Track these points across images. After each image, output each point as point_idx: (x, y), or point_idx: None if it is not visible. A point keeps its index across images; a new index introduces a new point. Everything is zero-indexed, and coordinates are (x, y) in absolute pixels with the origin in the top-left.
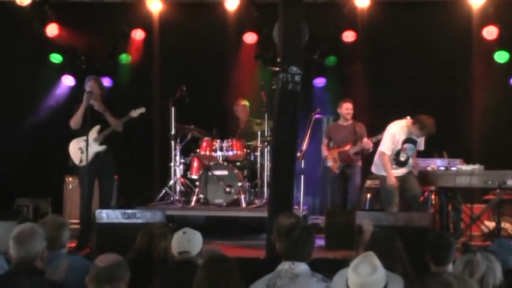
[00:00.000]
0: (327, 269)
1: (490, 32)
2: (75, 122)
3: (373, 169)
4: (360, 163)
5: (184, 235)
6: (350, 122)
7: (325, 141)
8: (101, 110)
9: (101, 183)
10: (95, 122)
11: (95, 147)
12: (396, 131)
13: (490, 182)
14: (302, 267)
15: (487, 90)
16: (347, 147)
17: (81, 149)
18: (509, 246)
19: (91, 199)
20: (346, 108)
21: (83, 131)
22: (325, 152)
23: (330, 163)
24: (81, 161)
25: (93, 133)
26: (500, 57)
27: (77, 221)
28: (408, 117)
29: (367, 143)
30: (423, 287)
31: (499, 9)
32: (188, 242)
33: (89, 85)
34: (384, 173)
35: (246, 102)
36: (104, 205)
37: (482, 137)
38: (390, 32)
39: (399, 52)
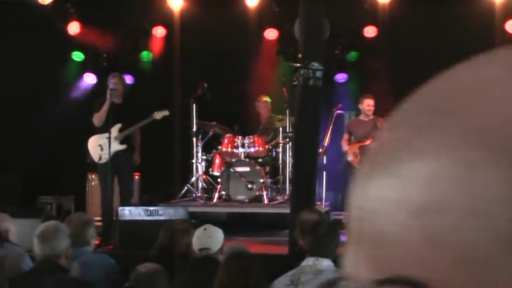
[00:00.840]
0: None
1: None
2: (99, 119)
3: None
4: None
5: (204, 232)
6: (371, 117)
7: (345, 136)
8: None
9: (120, 181)
10: (117, 119)
11: (115, 146)
12: None
13: None
14: (326, 263)
15: None
16: (368, 142)
17: (101, 146)
18: None
19: (112, 196)
20: (368, 104)
21: (105, 128)
22: (345, 147)
23: (350, 157)
24: (100, 158)
25: (114, 131)
26: None
27: (99, 218)
28: None
29: None
30: None
31: None
32: (208, 239)
33: (112, 82)
34: None
35: (267, 99)
36: (124, 202)
37: None
38: (412, 27)
39: (421, 47)
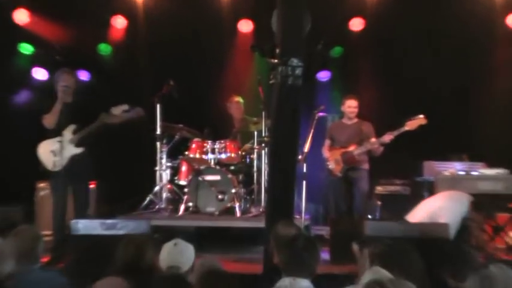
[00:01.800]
0: (332, 286)
1: None
2: (50, 120)
3: None
4: (366, 166)
5: (175, 247)
6: (355, 120)
7: (327, 142)
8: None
9: (75, 190)
10: (71, 120)
11: (71, 150)
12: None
13: None
14: (304, 283)
15: None
16: (351, 148)
17: (54, 152)
18: None
19: (65, 208)
20: (349, 105)
21: (56, 132)
22: (326, 153)
23: (331, 165)
24: (54, 165)
25: (68, 133)
26: None
27: (50, 232)
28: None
29: (374, 143)
30: None
31: None
32: (179, 256)
33: (63, 78)
34: None
35: (239, 99)
36: (80, 214)
37: (507, 138)
38: (403, 19)
39: (413, 42)
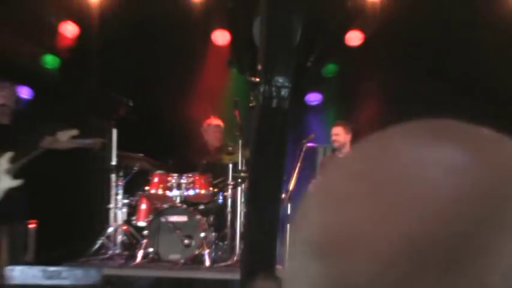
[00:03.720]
0: None
1: None
2: None
3: None
4: None
5: None
6: (348, 151)
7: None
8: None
9: (10, 232)
10: (6, 146)
11: (7, 182)
12: None
13: None
14: None
15: None
16: None
17: None
18: None
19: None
20: (332, 134)
21: None
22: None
23: None
24: None
25: (4, 162)
26: None
27: None
28: None
29: None
30: None
31: None
32: None
33: (0, 95)
34: None
35: (219, 122)
36: (15, 260)
37: None
38: (408, 31)
39: (422, 59)
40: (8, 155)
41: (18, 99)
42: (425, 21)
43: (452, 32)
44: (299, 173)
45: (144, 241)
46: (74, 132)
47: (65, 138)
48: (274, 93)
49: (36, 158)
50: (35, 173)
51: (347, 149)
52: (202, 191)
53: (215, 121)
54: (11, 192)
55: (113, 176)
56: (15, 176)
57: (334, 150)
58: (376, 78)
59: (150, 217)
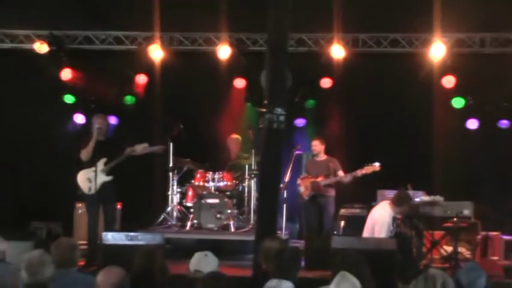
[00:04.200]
0: (308, 287)
1: (448, 81)
2: (86, 154)
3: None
4: (333, 193)
5: (205, 258)
6: (324, 157)
7: (304, 174)
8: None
9: (106, 209)
10: (102, 154)
11: (102, 178)
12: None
13: (448, 212)
14: (287, 284)
15: (446, 131)
16: (319, 179)
17: (89, 179)
18: (478, 270)
19: (97, 223)
20: (313, 145)
21: (91, 163)
22: (298, 180)
23: (301, 189)
24: (89, 189)
25: (100, 165)
26: (457, 103)
27: (85, 242)
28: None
29: (343, 176)
30: None
31: (456, 61)
32: (206, 265)
33: (98, 122)
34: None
35: (238, 136)
36: (109, 228)
37: (442, 172)
38: (363, 79)
39: (370, 96)
40: (103, 160)
41: (109, 124)
42: (376, 74)
43: (395, 83)
44: (291, 170)
45: (191, 216)
46: (146, 145)
47: (140, 148)
48: (275, 119)
49: (122, 162)
50: (122, 172)
51: (322, 154)
52: (228, 183)
53: (235, 136)
54: (105, 184)
55: (170, 173)
56: (107, 174)
57: (313, 156)
58: (341, 110)
59: (195, 200)
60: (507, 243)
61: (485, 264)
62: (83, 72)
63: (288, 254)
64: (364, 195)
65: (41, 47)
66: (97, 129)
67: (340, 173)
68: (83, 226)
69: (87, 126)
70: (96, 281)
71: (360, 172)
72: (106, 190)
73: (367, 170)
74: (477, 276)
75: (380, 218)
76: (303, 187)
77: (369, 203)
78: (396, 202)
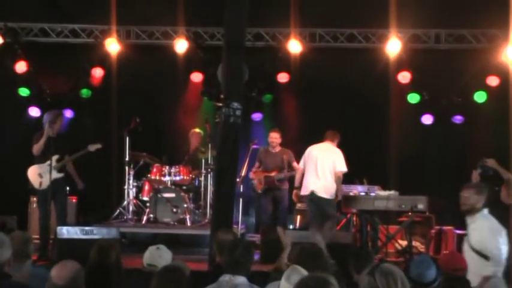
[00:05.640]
0: (262, 281)
1: (404, 77)
2: (37, 149)
3: (323, 193)
4: (286, 186)
5: (157, 251)
6: (278, 149)
7: (256, 164)
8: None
9: (56, 204)
10: (55, 151)
11: (54, 174)
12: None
13: (403, 206)
14: (241, 279)
15: (401, 126)
16: (273, 173)
17: (41, 175)
18: (428, 262)
19: (49, 218)
20: (271, 137)
21: (43, 159)
22: (251, 175)
23: (255, 183)
24: (40, 184)
25: (53, 161)
26: (413, 98)
27: (38, 236)
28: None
29: (287, 174)
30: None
31: (411, 56)
32: (158, 258)
33: (50, 118)
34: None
35: (200, 131)
36: (61, 222)
37: (397, 167)
38: (320, 74)
39: (327, 91)
40: (55, 156)
41: (63, 121)
42: (333, 69)
43: (352, 79)
44: (248, 164)
45: (147, 210)
46: (99, 145)
47: (93, 149)
48: (232, 113)
49: (77, 159)
50: (78, 166)
51: (277, 146)
52: (185, 177)
53: (197, 130)
54: (58, 180)
55: (127, 167)
56: (59, 171)
57: (267, 146)
58: (298, 105)
59: (151, 194)
60: (460, 237)
61: (450, 258)
62: (38, 65)
63: (241, 248)
64: None
65: None
66: (49, 125)
67: (295, 164)
68: (37, 220)
69: (41, 120)
70: (50, 275)
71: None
72: (57, 186)
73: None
74: (426, 268)
75: (335, 155)
76: (256, 181)
77: None
78: (332, 138)
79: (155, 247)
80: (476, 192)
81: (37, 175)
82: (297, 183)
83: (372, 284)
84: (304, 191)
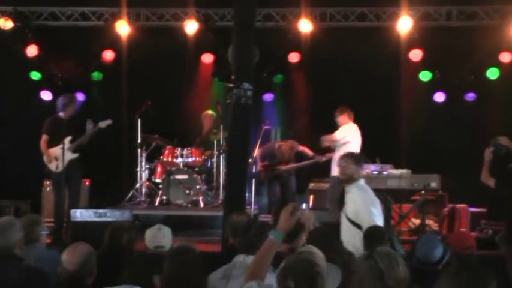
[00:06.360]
0: (276, 262)
1: (416, 55)
2: (43, 148)
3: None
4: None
5: (160, 231)
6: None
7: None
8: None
9: (70, 186)
10: (68, 132)
11: (69, 155)
12: None
13: (416, 185)
14: None
15: (413, 105)
16: (282, 167)
17: (56, 158)
18: (434, 241)
19: (64, 200)
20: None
21: (57, 141)
22: (259, 166)
23: (262, 175)
24: (57, 167)
25: (66, 142)
26: (424, 76)
27: (52, 219)
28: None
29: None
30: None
31: (423, 34)
32: (163, 238)
33: (64, 102)
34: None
35: (213, 113)
36: (73, 205)
37: (409, 145)
38: (331, 53)
39: (338, 71)
40: (68, 138)
41: (76, 104)
42: (344, 48)
43: (363, 57)
44: (259, 145)
45: (160, 192)
46: (109, 121)
47: (104, 125)
48: (243, 94)
49: (88, 139)
50: (90, 148)
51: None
52: (197, 158)
53: (209, 112)
54: (73, 161)
55: (139, 150)
56: (74, 151)
57: (282, 130)
58: (309, 84)
59: (163, 176)
60: (473, 215)
61: (458, 237)
62: (49, 49)
63: (255, 229)
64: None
65: (6, 23)
66: (63, 109)
67: (306, 150)
68: (51, 204)
69: (53, 104)
70: (61, 258)
71: (314, 160)
72: (72, 168)
73: (328, 157)
74: (432, 246)
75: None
76: (263, 174)
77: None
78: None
79: (156, 228)
80: (354, 161)
81: (53, 158)
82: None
83: (373, 268)
84: None
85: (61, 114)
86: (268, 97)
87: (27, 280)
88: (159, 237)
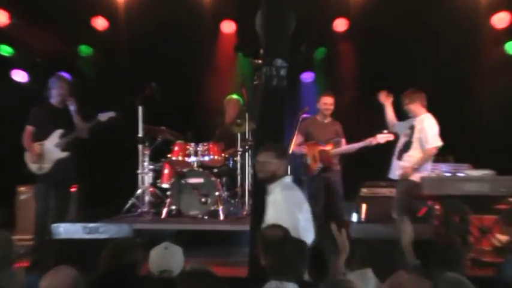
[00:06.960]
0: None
1: (501, 19)
2: (26, 145)
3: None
4: (339, 167)
5: (166, 251)
6: (329, 119)
7: (299, 138)
8: (70, 109)
9: (57, 194)
10: (58, 125)
11: (56, 154)
12: None
13: (502, 190)
14: (291, 287)
15: (498, 86)
16: (328, 147)
17: (41, 155)
18: None
19: (48, 211)
20: (325, 103)
21: (44, 135)
22: (304, 148)
23: (309, 161)
24: (40, 168)
25: (55, 138)
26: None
27: (30, 236)
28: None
29: (348, 148)
30: None
31: None
32: (170, 260)
33: (59, 86)
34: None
35: (238, 98)
36: (60, 219)
37: (492, 139)
38: (389, 20)
39: (398, 44)
40: (59, 132)
41: (70, 87)
42: (403, 13)
43: (428, 25)
44: (297, 138)
45: (168, 200)
46: (112, 113)
47: (105, 119)
48: (275, 73)
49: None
50: (80, 145)
51: (329, 116)
52: (216, 157)
53: (234, 97)
54: (60, 162)
55: (140, 146)
56: (63, 150)
57: (317, 116)
58: (359, 60)
59: (172, 180)
60: None
61: None
62: (23, 16)
63: (290, 246)
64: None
65: None
66: (59, 94)
67: (343, 141)
68: (28, 215)
69: (32, 86)
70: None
71: (371, 143)
72: (60, 170)
73: (380, 139)
74: None
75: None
76: (310, 158)
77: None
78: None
79: (162, 247)
80: (277, 155)
81: (36, 156)
82: None
83: None
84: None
85: (52, 100)
86: (307, 77)
87: None
88: (166, 258)
